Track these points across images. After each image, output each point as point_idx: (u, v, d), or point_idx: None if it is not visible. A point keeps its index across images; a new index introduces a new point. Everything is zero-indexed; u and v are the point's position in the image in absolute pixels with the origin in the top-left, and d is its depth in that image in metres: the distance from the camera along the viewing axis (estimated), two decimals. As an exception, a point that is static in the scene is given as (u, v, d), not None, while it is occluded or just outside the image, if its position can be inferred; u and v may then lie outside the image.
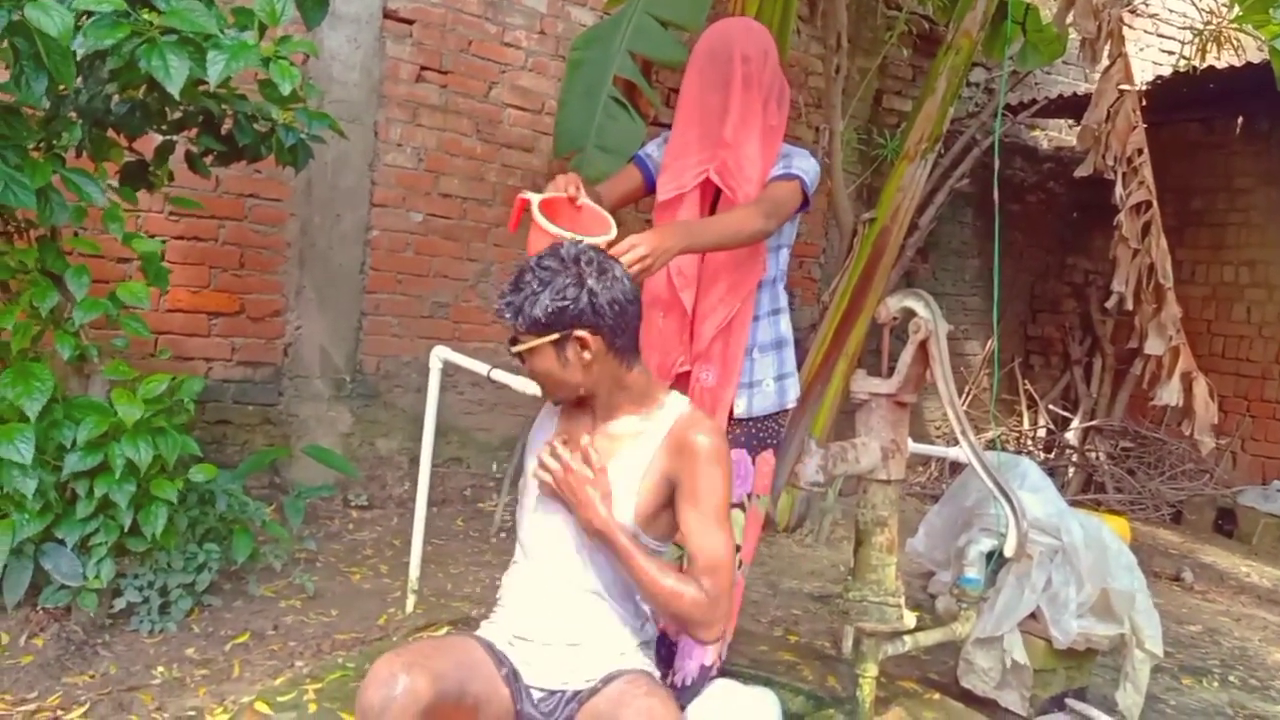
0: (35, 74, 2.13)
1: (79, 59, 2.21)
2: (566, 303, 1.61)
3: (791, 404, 2.37)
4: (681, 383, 2.25)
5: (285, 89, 2.30)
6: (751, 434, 2.27)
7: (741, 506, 2.28)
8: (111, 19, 2.07)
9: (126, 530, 2.69)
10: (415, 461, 3.36)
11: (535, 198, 1.98)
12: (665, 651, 2.28)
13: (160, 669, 2.64)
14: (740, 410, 2.27)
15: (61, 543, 2.66)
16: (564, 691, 1.67)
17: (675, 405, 1.75)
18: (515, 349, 1.69)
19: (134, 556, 2.83)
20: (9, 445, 2.47)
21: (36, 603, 2.70)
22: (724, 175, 2.18)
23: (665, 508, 1.70)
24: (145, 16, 2.13)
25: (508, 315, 1.64)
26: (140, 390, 2.71)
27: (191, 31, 2.13)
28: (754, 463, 2.29)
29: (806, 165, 2.25)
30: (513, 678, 1.68)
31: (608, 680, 1.64)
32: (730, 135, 2.17)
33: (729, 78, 2.16)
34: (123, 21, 2.08)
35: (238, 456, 4.02)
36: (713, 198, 2.25)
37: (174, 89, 2.12)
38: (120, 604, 2.81)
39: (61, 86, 2.33)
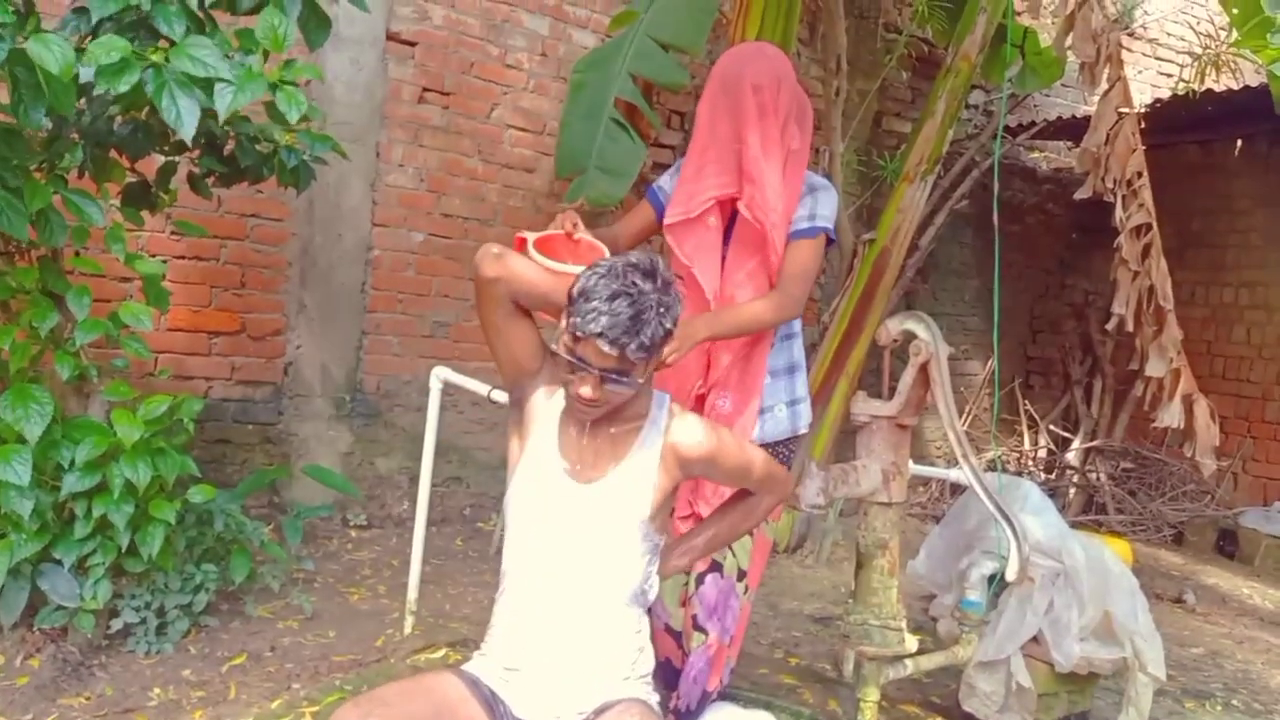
0: (34, 102, 2.14)
1: (83, 82, 2.22)
2: (674, 324, 1.65)
3: (804, 429, 2.36)
4: (697, 406, 2.25)
5: (293, 116, 2.30)
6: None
7: (749, 532, 2.27)
8: (120, 65, 2.07)
9: (124, 551, 2.68)
10: (415, 481, 3.35)
11: (532, 236, 1.99)
12: (668, 676, 2.27)
13: (157, 690, 2.63)
14: (752, 437, 2.27)
15: (59, 563, 2.65)
16: None
17: (660, 401, 1.80)
18: (633, 377, 1.61)
19: (131, 577, 2.82)
20: (6, 467, 2.46)
21: (33, 623, 2.69)
22: (753, 209, 2.16)
23: (669, 502, 1.78)
24: (153, 58, 2.13)
25: (632, 351, 1.57)
26: (140, 411, 2.70)
27: (200, 74, 2.13)
28: None
29: (828, 210, 2.23)
30: (502, 714, 1.65)
31: (600, 711, 1.63)
32: (753, 169, 2.14)
33: (742, 108, 2.14)
34: (132, 63, 2.08)
35: (237, 475, 4.01)
36: (727, 222, 2.24)
37: (186, 134, 2.12)
38: (117, 625, 2.79)
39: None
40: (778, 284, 2.18)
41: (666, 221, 2.26)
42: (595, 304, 1.55)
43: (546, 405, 1.77)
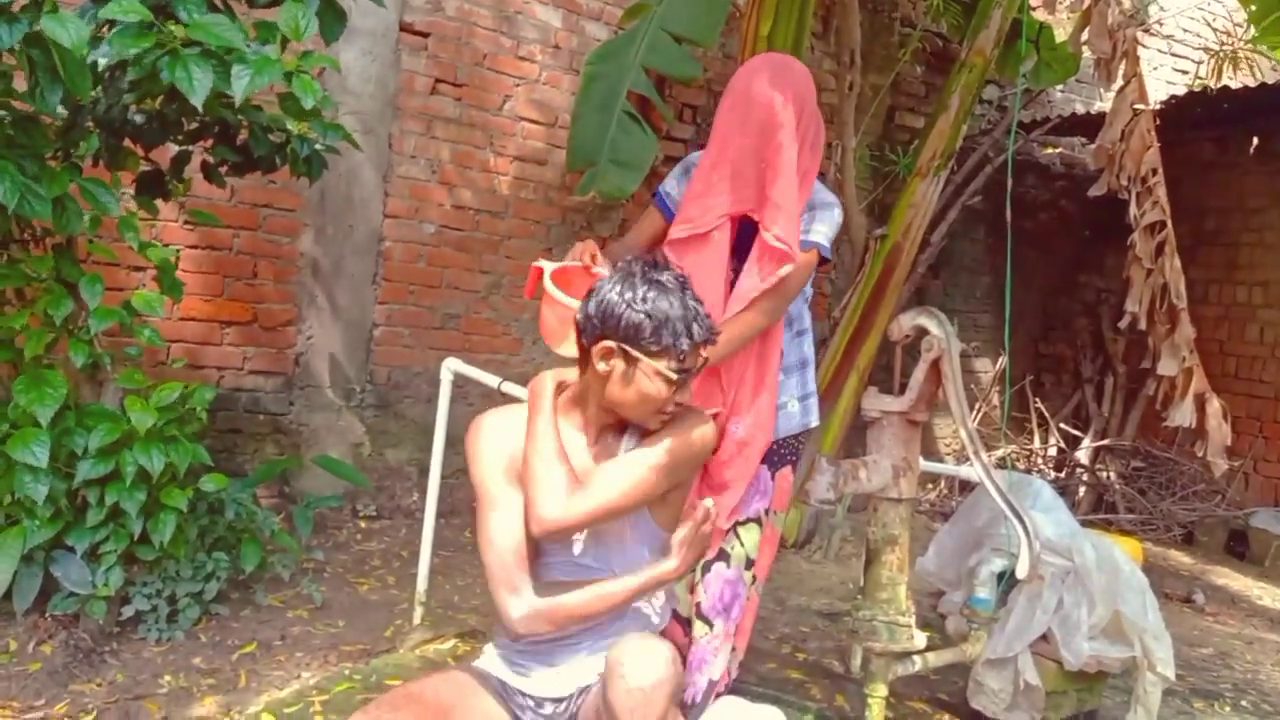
0: (50, 85, 2.15)
1: (101, 69, 2.23)
2: None
3: (814, 423, 2.38)
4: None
5: (308, 104, 2.30)
6: (772, 451, 2.27)
7: (759, 522, 2.27)
8: (136, 29, 2.08)
9: (136, 538, 2.70)
10: (424, 472, 3.36)
11: (549, 266, 1.97)
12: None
13: (167, 678, 2.64)
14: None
15: (71, 550, 2.67)
16: (575, 690, 1.69)
17: None
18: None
19: (143, 565, 2.83)
20: (25, 449, 2.48)
21: (45, 610, 2.71)
22: (778, 235, 2.08)
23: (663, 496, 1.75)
24: (170, 28, 2.14)
25: (715, 326, 1.70)
26: (153, 399, 2.72)
27: (216, 45, 2.14)
28: (774, 479, 2.29)
29: (826, 227, 2.19)
30: (519, 702, 1.67)
31: None
32: (778, 194, 2.07)
33: (768, 126, 2.07)
34: (147, 32, 2.10)
35: (248, 465, 4.03)
36: (735, 237, 2.17)
37: (197, 101, 2.13)
38: (128, 612, 2.81)
39: (76, 97, 2.35)
40: (757, 301, 2.12)
41: (671, 236, 2.20)
42: (686, 316, 1.63)
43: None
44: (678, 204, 2.29)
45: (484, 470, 1.70)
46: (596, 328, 1.64)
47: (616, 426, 1.75)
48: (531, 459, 1.63)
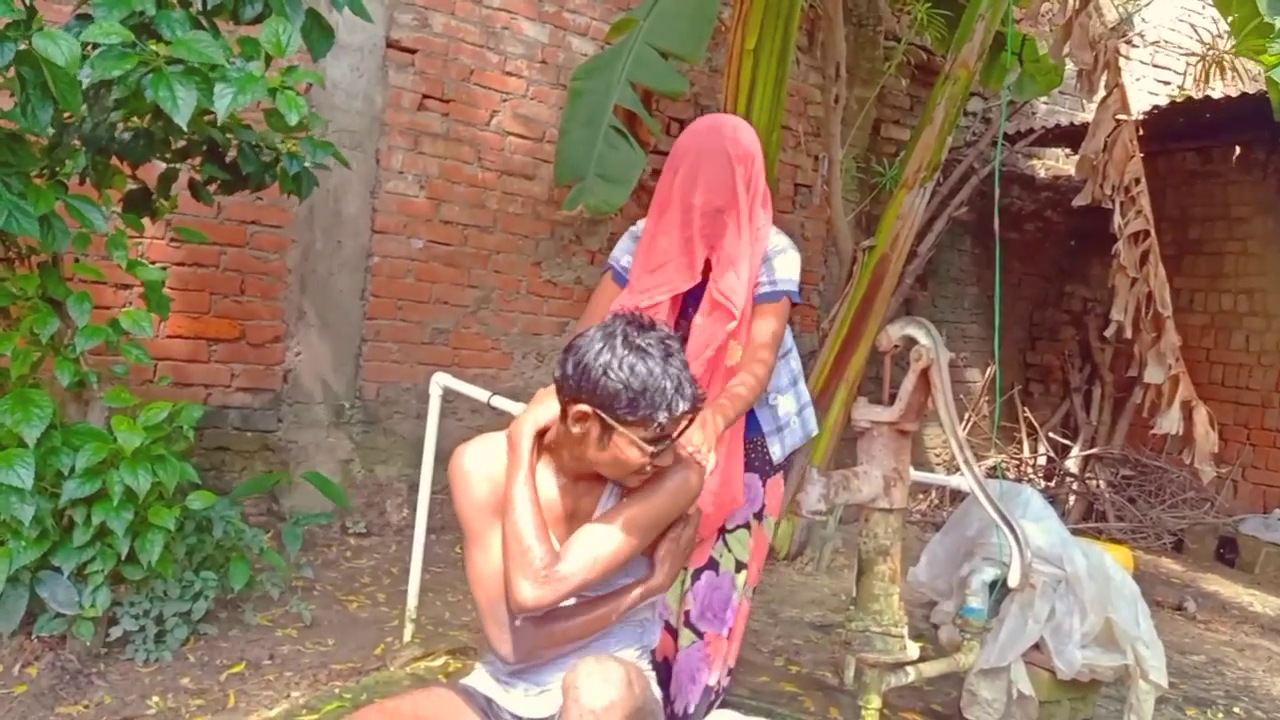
0: (41, 103, 2.14)
1: (85, 88, 2.22)
2: None
3: (814, 431, 2.43)
4: None
5: (292, 120, 2.30)
6: (765, 460, 2.29)
7: (747, 527, 2.28)
8: (119, 50, 2.08)
9: (123, 558, 2.67)
10: (414, 488, 3.34)
11: None
12: (665, 676, 2.27)
13: (155, 699, 2.62)
14: (777, 455, 2.31)
15: (58, 570, 2.65)
16: (558, 709, 1.66)
17: None
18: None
19: (130, 584, 2.81)
20: (9, 471, 2.45)
21: (31, 631, 2.68)
22: (727, 294, 2.13)
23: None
24: (152, 47, 2.14)
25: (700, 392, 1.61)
26: (140, 417, 2.70)
27: (198, 62, 2.14)
28: (765, 487, 2.30)
29: (788, 273, 2.22)
30: (504, 719, 1.66)
31: None
32: (733, 252, 2.12)
33: (725, 184, 2.11)
34: (129, 52, 2.09)
35: (236, 483, 4.00)
36: (682, 302, 2.22)
37: (181, 120, 2.12)
38: (116, 633, 2.78)
39: (66, 114, 2.34)
40: (750, 355, 2.15)
41: (625, 303, 2.13)
42: (666, 388, 1.53)
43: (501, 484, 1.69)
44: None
45: (467, 507, 1.67)
46: (572, 388, 1.55)
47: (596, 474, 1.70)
48: (508, 533, 1.57)
